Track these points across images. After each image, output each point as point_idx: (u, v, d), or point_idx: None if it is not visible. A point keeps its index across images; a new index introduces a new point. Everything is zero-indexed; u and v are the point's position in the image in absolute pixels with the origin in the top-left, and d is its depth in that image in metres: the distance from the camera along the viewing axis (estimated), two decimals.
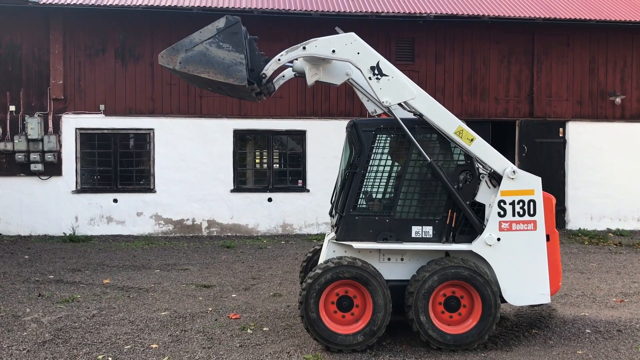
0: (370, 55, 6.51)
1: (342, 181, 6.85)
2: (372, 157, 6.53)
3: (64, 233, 14.18)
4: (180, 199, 14.64)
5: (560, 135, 15.64)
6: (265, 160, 15.29)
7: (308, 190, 15.03)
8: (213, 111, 14.75)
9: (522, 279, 6.29)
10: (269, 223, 14.90)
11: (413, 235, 6.41)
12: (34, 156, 14.14)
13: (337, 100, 15.07)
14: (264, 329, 6.99)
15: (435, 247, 6.35)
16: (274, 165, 15.27)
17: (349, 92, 15.08)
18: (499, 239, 6.26)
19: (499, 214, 6.28)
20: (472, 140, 6.32)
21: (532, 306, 7.05)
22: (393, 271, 6.45)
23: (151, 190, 14.63)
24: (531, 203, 6.30)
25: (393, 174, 6.71)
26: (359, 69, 6.53)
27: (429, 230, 6.42)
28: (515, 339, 6.61)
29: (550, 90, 15.63)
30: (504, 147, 15.77)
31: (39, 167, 14.20)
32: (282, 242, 13.82)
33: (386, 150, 6.59)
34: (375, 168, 6.58)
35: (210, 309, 7.88)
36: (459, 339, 6.16)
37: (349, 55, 6.54)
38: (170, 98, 14.67)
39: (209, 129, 14.70)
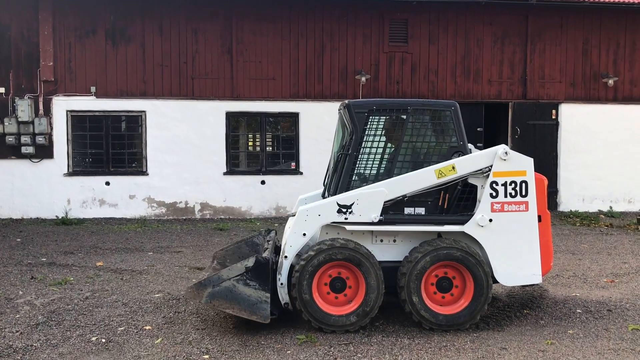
0: None
1: (334, 163, 6.83)
2: (364, 139, 6.52)
3: (56, 216, 14.13)
4: (172, 181, 14.59)
5: (553, 117, 15.65)
6: (258, 143, 15.23)
7: (301, 173, 15.01)
8: (205, 93, 14.65)
9: (513, 260, 6.33)
10: (262, 206, 14.89)
11: (405, 215, 6.42)
12: (24, 139, 14.02)
13: (331, 82, 15.00)
14: None
15: (427, 228, 6.36)
16: (267, 148, 15.22)
17: (342, 74, 15.01)
18: (491, 220, 6.29)
19: (491, 195, 6.30)
20: (453, 167, 6.31)
21: (524, 286, 7.12)
22: (386, 252, 6.47)
23: (143, 172, 14.57)
24: (523, 184, 6.31)
25: (386, 156, 6.69)
26: None
27: (421, 211, 6.45)
28: (507, 319, 6.67)
29: (543, 72, 15.61)
30: (496, 129, 15.78)
31: (30, 149, 14.09)
32: (276, 225, 13.82)
33: (379, 132, 6.57)
34: (368, 150, 6.57)
35: None
36: (451, 319, 6.22)
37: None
38: (162, 80, 14.55)
39: (202, 111, 14.61)
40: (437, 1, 14.81)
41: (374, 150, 6.65)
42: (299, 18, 14.87)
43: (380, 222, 6.30)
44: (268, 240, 7.45)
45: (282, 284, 6.34)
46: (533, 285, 6.67)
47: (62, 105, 14.29)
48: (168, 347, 5.84)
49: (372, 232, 6.48)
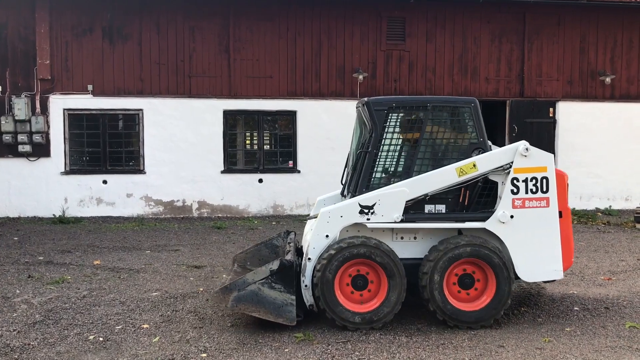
0: None
1: (354, 161, 6.80)
2: (384, 137, 6.51)
3: (53, 215, 14.10)
4: (170, 180, 14.58)
5: (550, 115, 15.67)
6: (255, 141, 15.22)
7: (299, 171, 15.00)
8: (202, 91, 14.63)
9: (535, 256, 6.34)
10: (260, 204, 14.89)
11: (426, 213, 6.43)
12: (21, 137, 13.98)
13: (328, 80, 14.99)
14: None
15: (449, 225, 6.37)
16: (265, 146, 15.21)
17: (340, 72, 15.00)
18: (512, 216, 6.29)
19: (512, 191, 6.31)
20: (474, 165, 6.31)
21: (545, 282, 7.09)
22: (406, 250, 6.47)
23: (141, 171, 14.55)
24: (544, 180, 6.31)
25: (405, 153, 6.67)
26: None
27: (441, 208, 6.46)
28: (505, 316, 6.67)
29: (540, 70, 15.62)
30: (494, 127, 15.79)
31: (27, 148, 14.06)
32: (273, 223, 13.83)
33: (398, 129, 6.57)
34: (387, 147, 6.56)
35: (201, 289, 7.89)
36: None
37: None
38: (159, 78, 14.53)
39: (199, 109, 14.59)
40: None
41: (393, 147, 6.64)
42: (297, 16, 14.85)
43: (401, 221, 6.31)
44: (289, 242, 7.42)
45: (306, 285, 6.33)
46: (554, 280, 6.67)
47: (59, 104, 14.26)
48: (166, 346, 5.83)
49: (392, 229, 6.47)
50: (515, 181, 6.29)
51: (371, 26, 15.06)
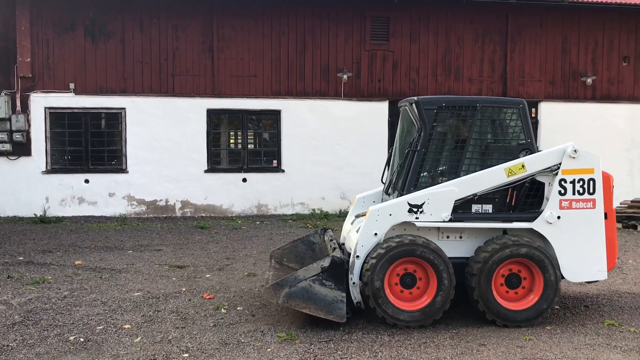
0: None
1: (401, 160, 6.83)
2: (433, 136, 6.55)
3: (34, 214, 13.94)
4: (153, 179, 14.48)
5: (533, 115, 15.80)
6: (239, 140, 15.17)
7: (283, 171, 14.98)
8: (186, 90, 14.55)
9: (580, 256, 6.43)
10: (244, 203, 14.84)
11: (473, 213, 6.49)
12: (1, 136, 13.80)
13: (313, 79, 14.99)
14: (238, 308, 6.99)
15: (496, 225, 6.43)
16: (249, 146, 15.17)
17: (324, 72, 15.01)
18: (559, 217, 6.37)
19: (559, 192, 6.38)
20: (522, 166, 6.38)
21: (588, 282, 7.15)
22: (452, 249, 6.51)
23: (123, 170, 14.44)
24: (591, 182, 6.40)
25: (454, 153, 6.69)
26: None
27: (488, 208, 6.52)
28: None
29: (523, 71, 15.75)
30: None
31: (7, 147, 13.88)
32: (257, 223, 13.80)
33: (447, 129, 6.62)
34: (435, 147, 6.61)
35: (183, 289, 7.85)
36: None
37: None
38: (142, 76, 14.43)
39: (182, 108, 14.51)
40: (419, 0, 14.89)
41: (441, 147, 6.69)
42: (281, 15, 14.83)
43: (449, 220, 6.35)
44: (331, 240, 7.43)
45: (354, 283, 6.33)
46: (597, 281, 6.76)
47: (40, 102, 14.10)
48: (147, 346, 5.79)
49: (438, 228, 6.51)
50: (562, 182, 6.38)
51: (355, 26, 15.08)
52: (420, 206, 6.31)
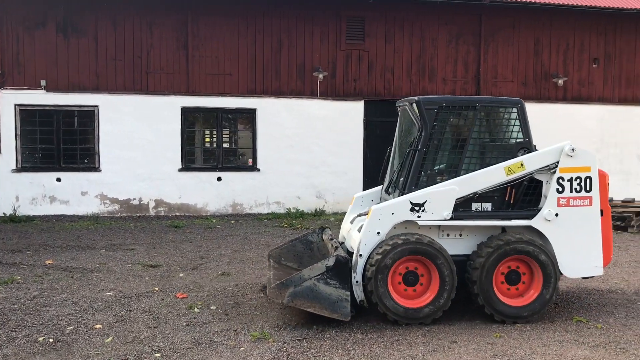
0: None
1: (402, 159, 6.91)
2: (434, 135, 6.62)
3: (3, 213, 13.68)
4: (126, 178, 14.32)
5: None
6: (214, 139, 15.10)
7: (259, 170, 14.95)
8: (160, 88, 14.42)
9: (577, 253, 6.56)
10: (219, 202, 14.77)
11: (473, 211, 6.57)
12: None
13: (288, 78, 14.97)
14: (211, 307, 6.96)
15: (496, 223, 6.52)
16: (224, 144, 15.10)
17: (300, 71, 15.01)
18: (557, 215, 6.49)
19: (557, 190, 6.50)
20: (521, 164, 6.50)
21: (584, 278, 7.23)
22: (452, 246, 6.58)
23: (96, 169, 14.25)
24: (587, 179, 6.52)
25: (454, 152, 6.78)
26: None
27: (488, 206, 6.61)
28: (458, 313, 6.79)
29: (496, 72, 15.95)
30: None
31: None
32: (232, 222, 13.74)
33: (447, 128, 6.71)
34: (436, 146, 6.68)
35: (156, 288, 7.79)
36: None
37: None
38: (115, 74, 14.26)
39: (156, 106, 14.38)
40: (393, 0, 14.94)
41: (442, 146, 6.77)
42: (256, 14, 14.79)
43: (451, 218, 6.43)
44: (331, 239, 7.45)
45: (357, 281, 6.36)
46: (594, 276, 6.90)
47: (10, 99, 13.83)
48: (119, 346, 5.73)
49: (439, 226, 6.58)
50: (560, 180, 6.50)
51: (331, 26, 15.11)
52: (422, 205, 6.40)
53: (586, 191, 6.53)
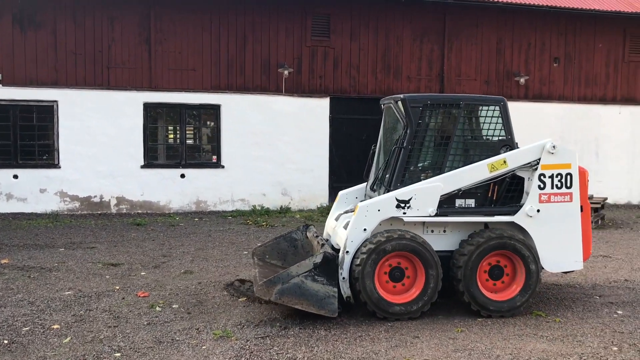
0: None
1: (387, 156, 6.96)
2: (419, 133, 6.68)
3: None
4: (87, 174, 14.01)
5: None
6: (178, 135, 14.89)
7: (223, 167, 14.81)
8: (122, 83, 14.15)
9: (558, 248, 6.69)
10: (182, 200, 14.58)
11: (457, 207, 6.64)
12: None
13: (253, 74, 14.87)
14: (174, 306, 6.87)
15: (480, 219, 6.60)
16: (188, 141, 14.91)
17: (265, 67, 14.92)
18: (538, 211, 6.60)
19: (539, 186, 6.60)
20: (504, 161, 6.59)
21: (565, 272, 7.38)
22: (436, 242, 6.63)
23: (55, 165, 13.91)
24: (568, 176, 6.65)
25: (438, 149, 6.84)
26: None
27: (471, 202, 6.69)
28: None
29: (459, 70, 16.14)
30: None
31: None
32: (196, 219, 13.59)
33: (432, 126, 6.79)
34: (421, 143, 6.75)
35: (117, 287, 7.64)
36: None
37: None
38: (76, 68, 13.93)
39: (118, 101, 14.11)
40: None
41: (427, 143, 6.83)
42: (220, 9, 14.63)
43: (435, 215, 6.47)
44: (316, 236, 7.43)
45: (344, 278, 6.38)
46: (573, 271, 7.04)
47: None
48: (77, 346, 5.60)
49: (423, 223, 6.64)
50: (542, 177, 6.61)
51: (296, 22, 15.06)
52: (408, 201, 6.45)
53: (567, 187, 6.67)
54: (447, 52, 15.96)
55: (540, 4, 15.73)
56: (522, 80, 16.33)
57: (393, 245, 6.30)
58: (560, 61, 16.76)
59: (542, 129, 16.54)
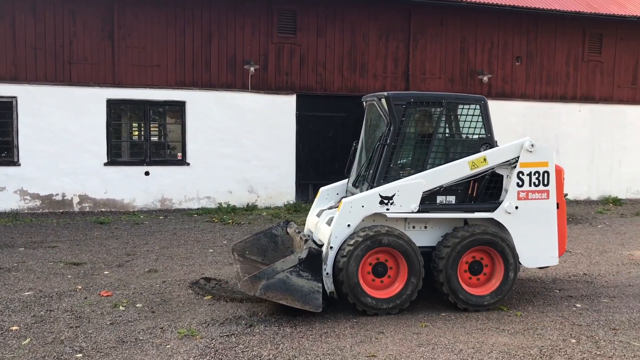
0: None
1: (370, 153, 7.03)
2: (402, 130, 6.76)
3: None
4: (48, 172, 13.70)
5: None
6: (142, 132, 14.68)
7: (188, 164, 14.66)
8: (84, 79, 13.87)
9: (535, 244, 6.86)
10: (147, 198, 14.39)
11: (438, 204, 6.75)
12: None
13: (219, 71, 14.75)
14: (137, 305, 6.78)
15: (460, 215, 6.73)
16: (152, 138, 14.71)
17: (231, 64, 14.82)
18: (517, 207, 6.75)
19: (517, 184, 6.76)
20: (484, 159, 6.73)
21: (540, 268, 7.58)
22: (417, 238, 6.73)
23: (15, 163, 13.56)
24: (545, 174, 6.82)
25: (420, 146, 6.93)
26: None
27: (452, 199, 6.83)
28: None
29: (424, 68, 16.31)
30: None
31: None
32: (161, 218, 13.43)
33: (414, 123, 6.90)
34: (404, 140, 6.84)
35: (79, 287, 7.51)
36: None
37: None
38: (36, 64, 13.60)
39: (80, 97, 13.82)
40: None
41: (409, 141, 6.92)
42: (185, 5, 14.46)
43: (418, 211, 6.57)
44: (297, 232, 7.45)
45: (327, 273, 6.43)
46: (548, 266, 7.21)
47: None
48: (37, 348, 5.49)
49: (405, 219, 6.72)
50: (520, 175, 6.77)
51: (262, 18, 14.99)
52: (391, 198, 6.56)
53: (544, 185, 6.85)
54: (412, 50, 16.11)
55: (504, 3, 16.00)
56: (485, 78, 16.60)
57: (379, 241, 6.40)
58: (522, 60, 17.09)
59: (504, 126, 16.77)
